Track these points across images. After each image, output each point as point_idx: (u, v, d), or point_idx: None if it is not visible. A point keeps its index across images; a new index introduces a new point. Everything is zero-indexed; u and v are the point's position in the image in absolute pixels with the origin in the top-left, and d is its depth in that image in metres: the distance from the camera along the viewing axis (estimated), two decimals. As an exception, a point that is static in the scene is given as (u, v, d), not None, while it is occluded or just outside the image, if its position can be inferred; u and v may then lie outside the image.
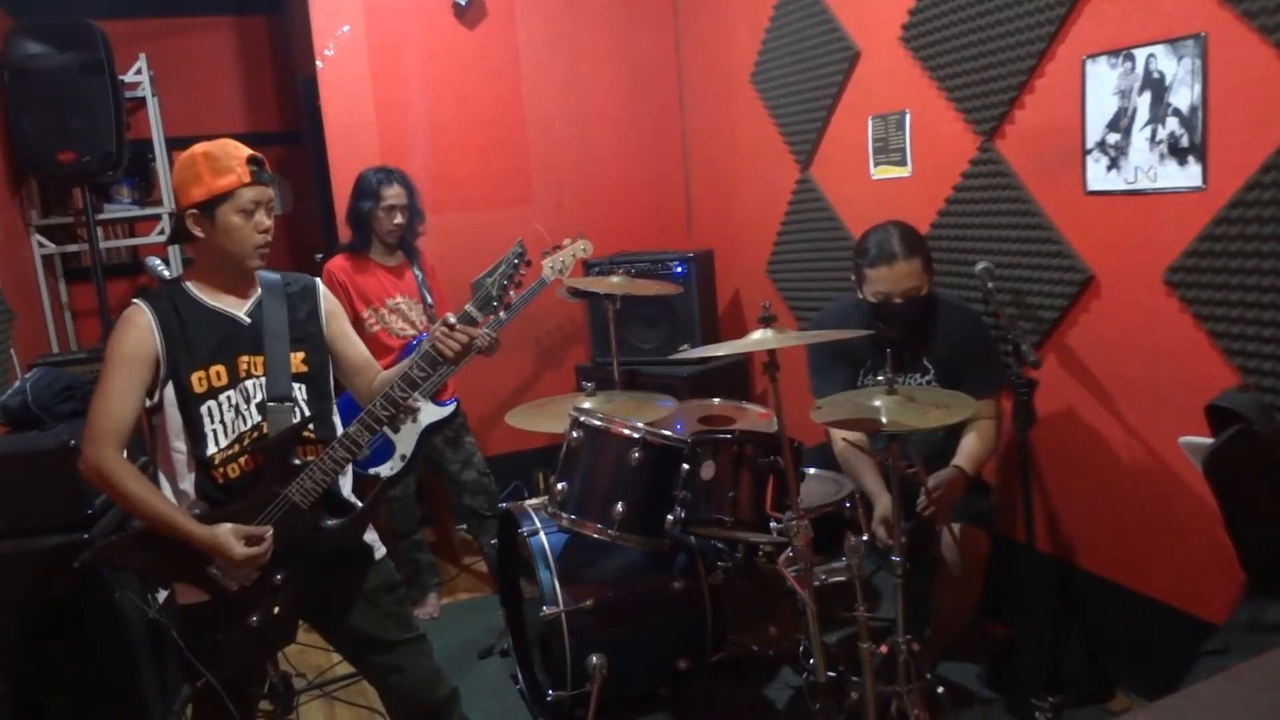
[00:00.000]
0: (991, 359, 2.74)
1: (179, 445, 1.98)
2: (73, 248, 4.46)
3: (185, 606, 2.01)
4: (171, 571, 2.00)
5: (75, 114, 3.84)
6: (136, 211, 4.71)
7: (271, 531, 1.96)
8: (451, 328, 1.99)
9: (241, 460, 2.00)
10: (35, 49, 3.85)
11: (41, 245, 4.31)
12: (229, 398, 1.99)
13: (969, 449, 2.63)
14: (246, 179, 1.96)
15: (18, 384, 2.80)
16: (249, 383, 2.02)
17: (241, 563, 1.92)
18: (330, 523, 2.05)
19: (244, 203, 1.96)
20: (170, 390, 1.95)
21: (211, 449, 1.97)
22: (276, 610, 2.01)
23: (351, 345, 2.22)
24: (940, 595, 2.68)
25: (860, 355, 2.81)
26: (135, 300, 1.97)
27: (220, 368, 1.99)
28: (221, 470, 1.98)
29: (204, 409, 1.97)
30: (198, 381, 1.96)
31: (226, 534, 1.91)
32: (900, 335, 2.66)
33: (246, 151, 1.98)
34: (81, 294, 4.61)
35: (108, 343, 1.95)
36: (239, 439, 2.00)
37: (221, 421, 1.98)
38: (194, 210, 1.95)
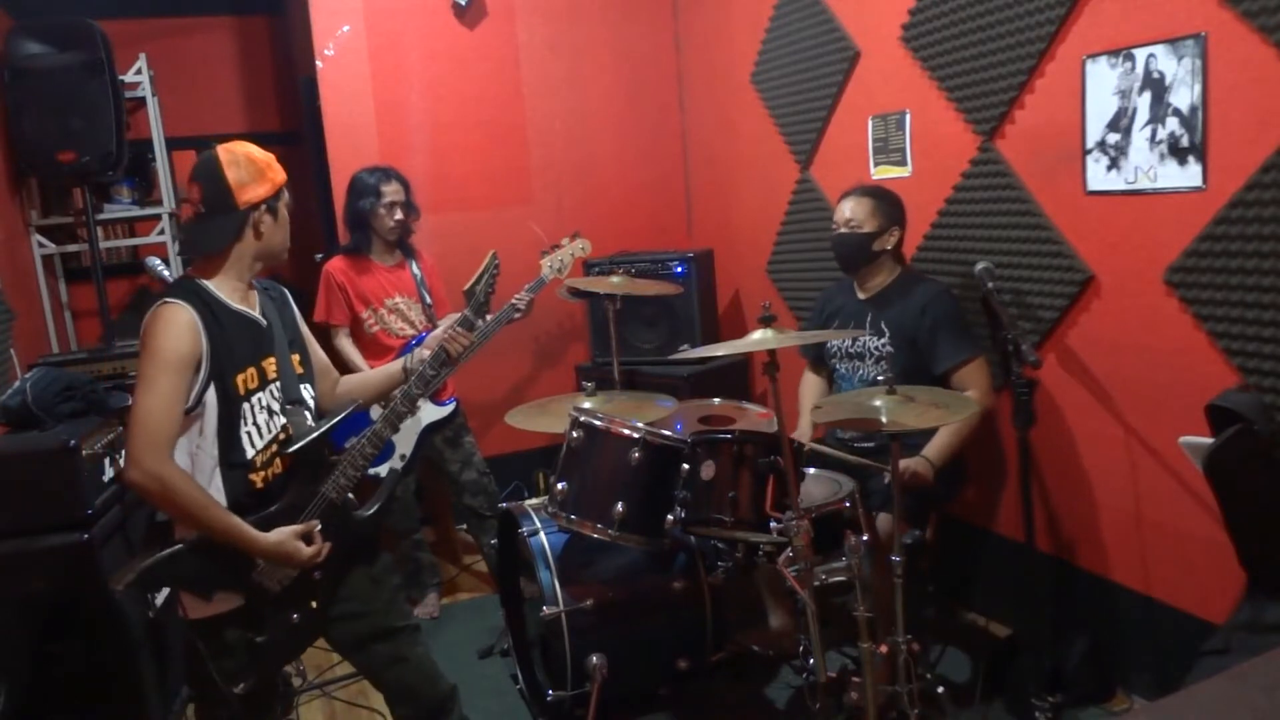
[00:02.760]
0: (956, 326, 2.80)
1: (213, 451, 1.95)
2: (73, 248, 4.45)
3: (202, 620, 1.96)
4: (214, 582, 1.96)
5: (75, 114, 3.84)
6: (136, 211, 4.70)
7: (320, 526, 2.01)
8: (457, 332, 2.16)
9: (276, 462, 2.02)
10: (35, 49, 3.85)
11: (41, 245, 4.30)
12: (260, 399, 2.00)
13: (941, 437, 2.69)
14: (285, 175, 2.07)
15: (18, 384, 2.80)
16: (274, 385, 2.04)
17: (306, 562, 1.97)
18: (363, 514, 2.12)
19: (288, 197, 2.06)
20: (212, 393, 1.92)
21: (250, 451, 1.97)
22: (314, 604, 2.06)
23: (315, 349, 2.27)
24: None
25: (837, 313, 3.08)
26: (172, 300, 1.90)
27: (253, 370, 2.00)
28: (262, 474, 1.99)
29: (244, 410, 1.97)
30: (241, 383, 1.96)
31: (290, 538, 1.95)
32: (842, 267, 2.98)
33: None
34: (81, 294, 4.60)
35: (152, 343, 1.87)
36: (274, 440, 2.02)
37: (256, 424, 1.99)
38: (264, 205, 2.00)
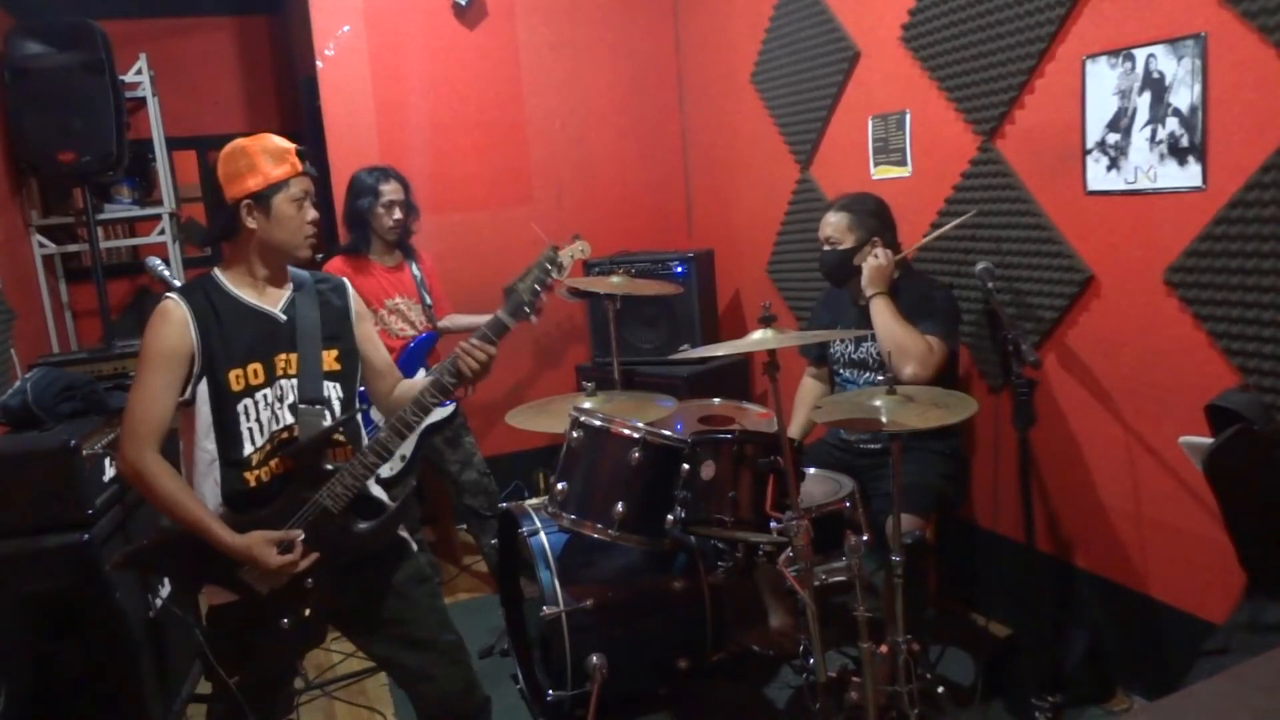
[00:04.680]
0: (934, 311, 2.74)
1: (208, 445, 1.95)
2: (73, 248, 4.46)
3: (216, 607, 1.99)
4: (204, 573, 1.97)
5: (75, 114, 3.84)
6: (136, 211, 4.71)
7: (302, 536, 1.94)
8: (473, 345, 2.01)
9: (273, 462, 1.99)
10: (35, 49, 3.85)
11: (41, 245, 4.31)
12: (264, 396, 1.97)
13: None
14: (299, 168, 1.99)
15: (18, 384, 2.80)
16: (284, 382, 2.00)
17: (276, 571, 1.91)
18: (363, 526, 2.04)
19: (296, 192, 1.98)
20: (204, 387, 1.93)
21: (248, 449, 1.95)
22: (307, 613, 2.01)
23: (376, 349, 2.21)
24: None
25: (837, 314, 3.06)
26: (169, 295, 1.94)
27: (257, 366, 1.97)
28: (256, 473, 1.96)
29: (240, 407, 1.95)
30: (235, 379, 1.94)
31: (260, 542, 1.90)
32: (830, 279, 2.99)
33: (291, 144, 2.01)
34: (81, 294, 4.60)
35: (143, 338, 1.92)
36: (271, 439, 1.98)
37: (257, 420, 1.96)
38: (249, 200, 1.95)
